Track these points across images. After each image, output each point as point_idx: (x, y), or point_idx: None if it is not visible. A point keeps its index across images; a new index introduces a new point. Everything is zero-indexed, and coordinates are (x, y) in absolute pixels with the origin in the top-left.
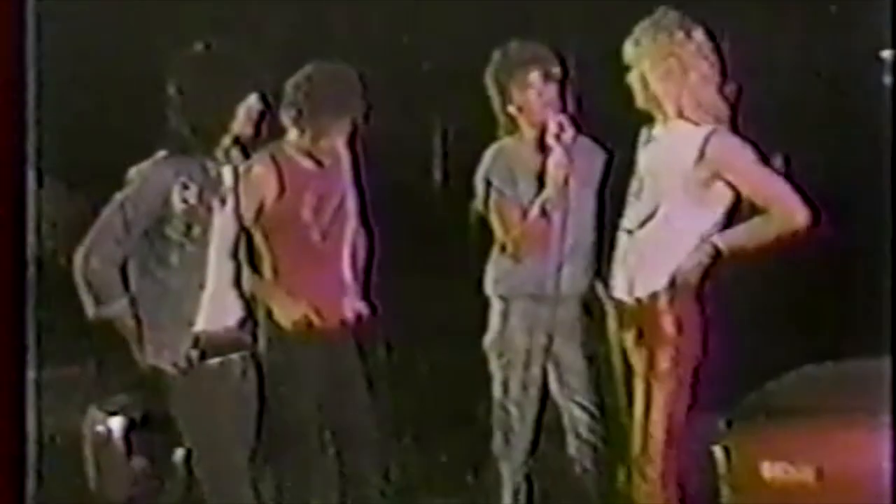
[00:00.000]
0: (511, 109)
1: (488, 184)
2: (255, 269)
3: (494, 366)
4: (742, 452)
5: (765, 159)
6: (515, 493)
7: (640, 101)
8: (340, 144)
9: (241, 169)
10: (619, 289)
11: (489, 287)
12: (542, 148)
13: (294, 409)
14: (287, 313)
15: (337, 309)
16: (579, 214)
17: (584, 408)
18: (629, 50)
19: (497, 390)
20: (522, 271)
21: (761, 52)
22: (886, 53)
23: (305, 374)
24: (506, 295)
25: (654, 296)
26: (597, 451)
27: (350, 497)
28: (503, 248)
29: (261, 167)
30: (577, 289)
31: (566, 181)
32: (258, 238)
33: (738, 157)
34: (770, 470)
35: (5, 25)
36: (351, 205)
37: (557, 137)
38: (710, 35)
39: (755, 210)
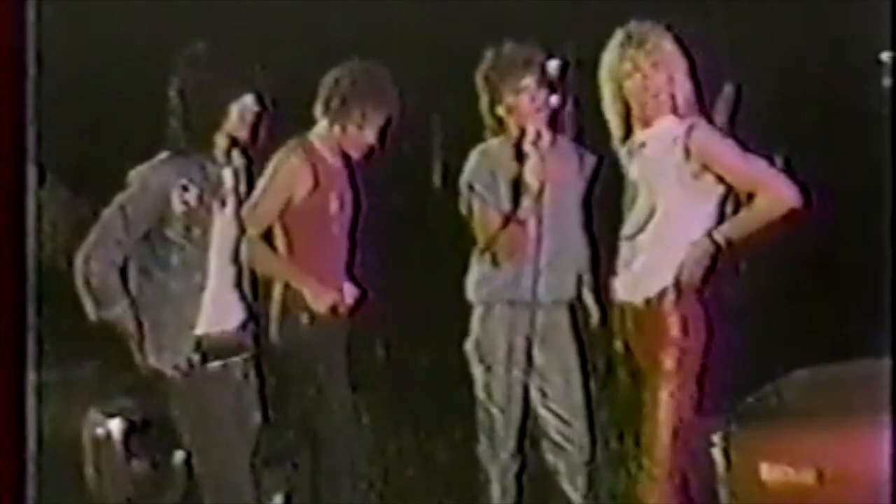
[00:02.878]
0: (500, 111)
1: (471, 188)
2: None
3: (477, 370)
4: (741, 454)
5: (744, 147)
6: (504, 495)
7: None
8: (372, 139)
9: (274, 160)
10: (627, 291)
11: (470, 291)
12: (519, 154)
13: (336, 391)
14: (321, 299)
15: (345, 297)
16: (560, 221)
17: (554, 412)
18: (606, 62)
19: (480, 394)
20: (501, 276)
21: (761, 53)
22: (886, 56)
23: (339, 357)
24: (486, 299)
25: (662, 294)
26: (565, 453)
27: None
28: (483, 252)
29: (296, 162)
30: (560, 295)
31: (542, 187)
32: (277, 229)
33: (720, 149)
34: (769, 472)
35: (5, 26)
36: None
37: (534, 144)
38: (680, 41)
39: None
